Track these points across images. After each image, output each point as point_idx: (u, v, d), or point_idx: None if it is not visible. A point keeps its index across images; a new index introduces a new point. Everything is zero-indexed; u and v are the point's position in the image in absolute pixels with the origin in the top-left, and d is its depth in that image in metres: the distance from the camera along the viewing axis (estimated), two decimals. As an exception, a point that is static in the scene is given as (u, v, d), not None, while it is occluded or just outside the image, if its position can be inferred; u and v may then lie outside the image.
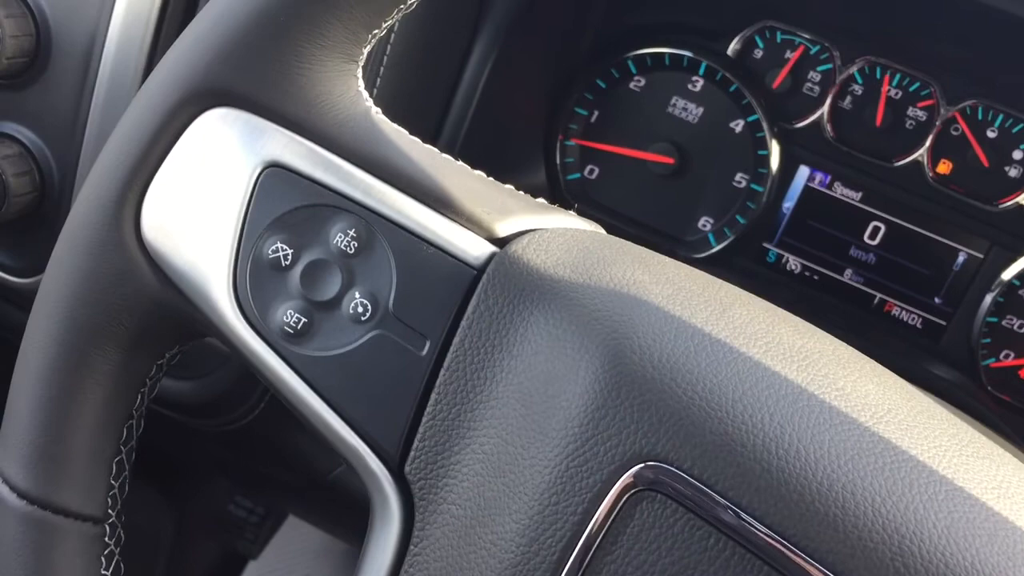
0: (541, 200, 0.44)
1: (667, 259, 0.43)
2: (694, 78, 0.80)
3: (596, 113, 0.83)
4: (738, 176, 0.80)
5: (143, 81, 0.63)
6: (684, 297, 0.40)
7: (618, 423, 0.36)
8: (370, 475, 0.40)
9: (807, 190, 0.79)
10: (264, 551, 1.23)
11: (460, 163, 0.43)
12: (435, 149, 0.43)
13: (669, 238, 0.83)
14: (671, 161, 0.81)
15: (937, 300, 0.78)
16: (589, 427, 0.36)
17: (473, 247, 0.40)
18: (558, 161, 0.84)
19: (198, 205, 0.40)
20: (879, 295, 0.79)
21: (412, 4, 0.41)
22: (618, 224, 0.82)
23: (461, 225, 0.40)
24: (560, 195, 0.83)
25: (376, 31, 0.41)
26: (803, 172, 0.79)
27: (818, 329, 0.43)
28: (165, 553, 1.15)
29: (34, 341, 0.41)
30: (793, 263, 0.81)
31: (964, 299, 0.77)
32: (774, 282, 0.81)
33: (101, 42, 0.64)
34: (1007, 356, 0.76)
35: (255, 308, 0.40)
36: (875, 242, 0.78)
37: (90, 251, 0.40)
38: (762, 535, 0.34)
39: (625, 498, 0.35)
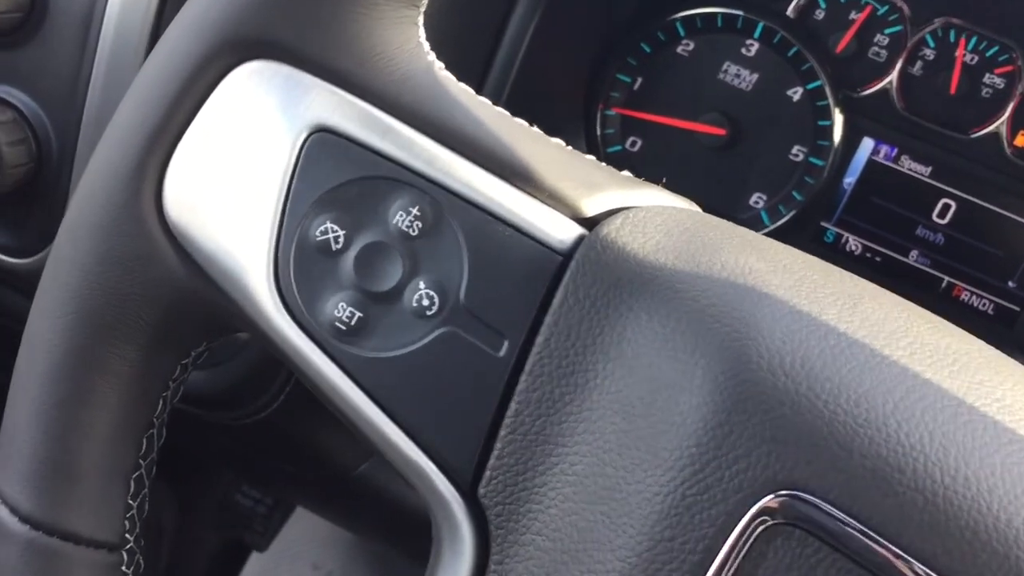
0: (627, 173, 0.39)
1: (777, 243, 0.38)
2: (748, 41, 0.76)
3: (640, 80, 0.79)
4: (795, 149, 0.76)
5: (152, 37, 0.60)
6: (809, 289, 0.35)
7: (745, 443, 0.31)
8: (437, 497, 0.36)
9: (871, 164, 0.75)
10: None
11: (536, 129, 0.38)
12: (506, 112, 0.37)
13: (718, 216, 0.78)
14: (722, 132, 0.76)
15: (1011, 284, 0.74)
16: (710, 447, 0.32)
17: (558, 228, 0.36)
18: (598, 132, 0.80)
19: (232, 177, 0.36)
20: (947, 278, 0.75)
21: None
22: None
23: (543, 202, 0.36)
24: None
25: None
26: (867, 144, 0.75)
27: (953, 325, 0.37)
28: (169, 542, 1.12)
29: (37, 337, 0.37)
30: (853, 243, 0.76)
31: (1041, 283, 0.72)
32: (833, 264, 0.76)
33: (104, -5, 0.60)
34: (1086, 344, 0.72)
35: (300, 300, 0.36)
36: (944, 221, 0.74)
37: (103, 231, 0.36)
38: (928, 582, 0.29)
39: (756, 534, 0.31)
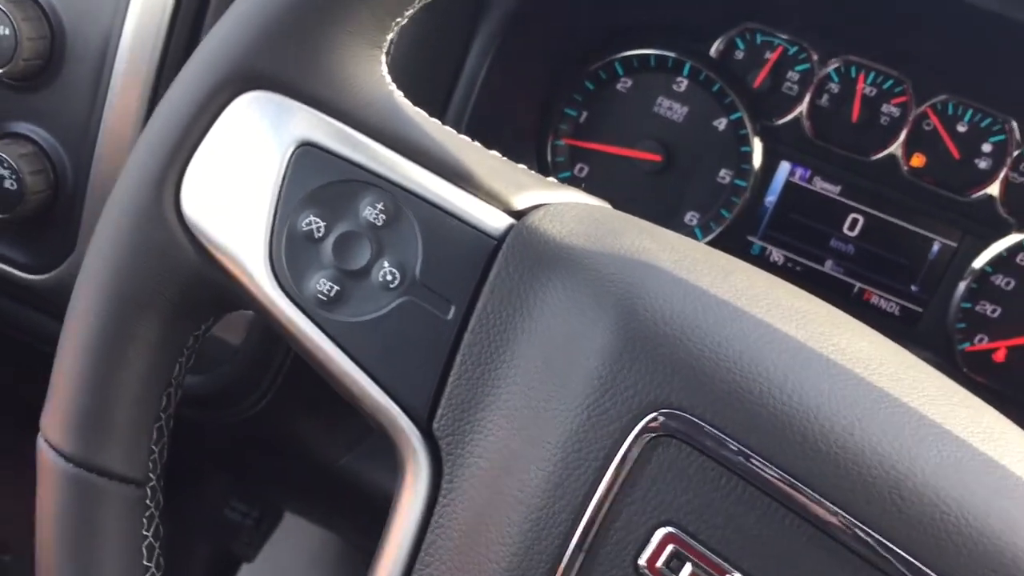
0: (552, 179, 0.47)
1: (671, 232, 0.46)
2: (678, 78, 0.84)
3: (585, 113, 0.86)
4: (722, 172, 0.84)
5: (156, 82, 0.66)
6: (689, 263, 0.43)
7: (634, 375, 0.39)
8: (400, 433, 0.42)
9: (788, 185, 0.83)
10: (259, 556, 1.24)
11: (476, 143, 0.46)
12: (452, 129, 0.46)
13: None
14: (658, 158, 0.84)
15: (914, 288, 0.81)
16: (607, 380, 0.39)
17: (493, 219, 0.43)
18: (549, 160, 0.87)
19: (235, 182, 0.43)
20: (858, 284, 0.82)
21: None
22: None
23: (481, 199, 0.43)
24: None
25: (400, 19, 0.44)
26: (784, 167, 0.83)
27: (812, 296, 0.46)
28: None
29: (79, 311, 0.44)
30: (776, 255, 0.84)
31: (939, 286, 0.80)
32: None
33: (115, 45, 0.66)
34: (981, 340, 0.80)
35: (290, 278, 0.43)
36: (854, 233, 0.82)
37: (133, 225, 0.43)
38: (769, 474, 0.37)
39: (642, 444, 0.38)
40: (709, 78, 0.82)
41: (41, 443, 0.44)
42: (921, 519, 0.36)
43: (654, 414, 0.38)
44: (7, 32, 0.64)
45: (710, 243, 0.84)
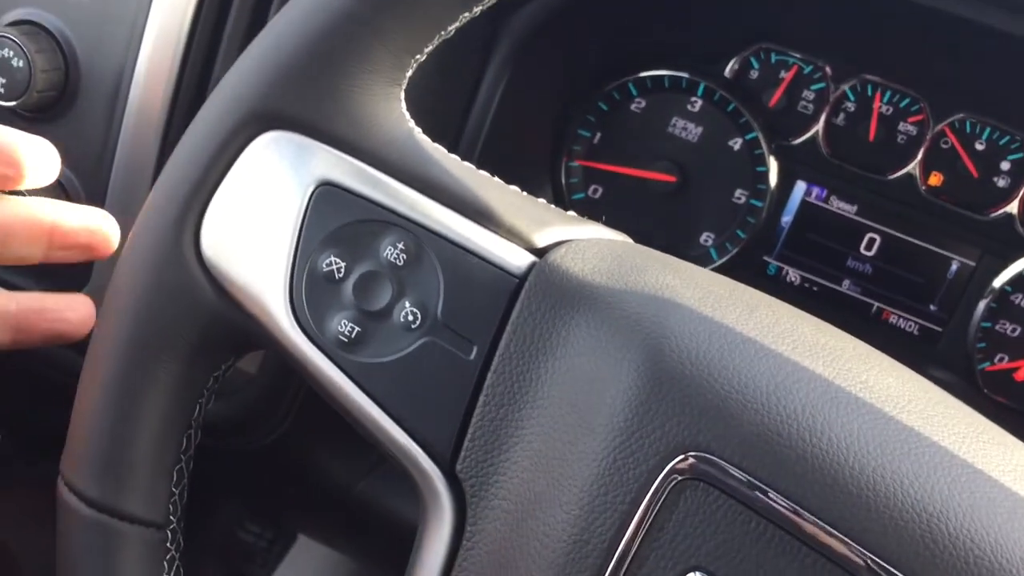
0: (572, 213, 0.47)
1: (693, 265, 0.46)
2: (693, 99, 0.83)
3: (599, 135, 0.86)
4: (738, 192, 0.83)
5: (169, 114, 0.66)
6: (713, 300, 0.42)
7: (660, 417, 0.38)
8: (422, 475, 0.42)
9: (804, 204, 0.82)
10: (272, 576, 1.24)
11: (496, 179, 0.46)
12: (472, 166, 0.45)
13: (672, 253, 0.85)
14: (673, 179, 0.84)
15: (932, 307, 0.80)
16: (633, 421, 0.38)
17: (514, 257, 0.43)
18: (563, 182, 0.86)
19: (255, 222, 0.43)
20: (876, 304, 0.82)
21: (451, 31, 0.43)
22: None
23: (502, 236, 0.43)
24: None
25: (418, 56, 0.44)
26: (800, 187, 0.82)
27: (836, 328, 0.45)
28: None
29: (98, 354, 0.44)
30: (793, 275, 0.83)
31: (958, 306, 0.79)
32: (775, 294, 0.82)
33: (128, 77, 0.66)
34: (1001, 360, 0.79)
35: (311, 318, 0.43)
36: (871, 253, 0.81)
37: (153, 267, 0.43)
38: (800, 517, 0.36)
39: (669, 487, 0.38)
40: (724, 98, 0.82)
41: (61, 486, 0.43)
42: (955, 563, 0.36)
43: (681, 456, 0.38)
44: (21, 64, 0.64)
45: (726, 264, 0.84)
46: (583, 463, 0.39)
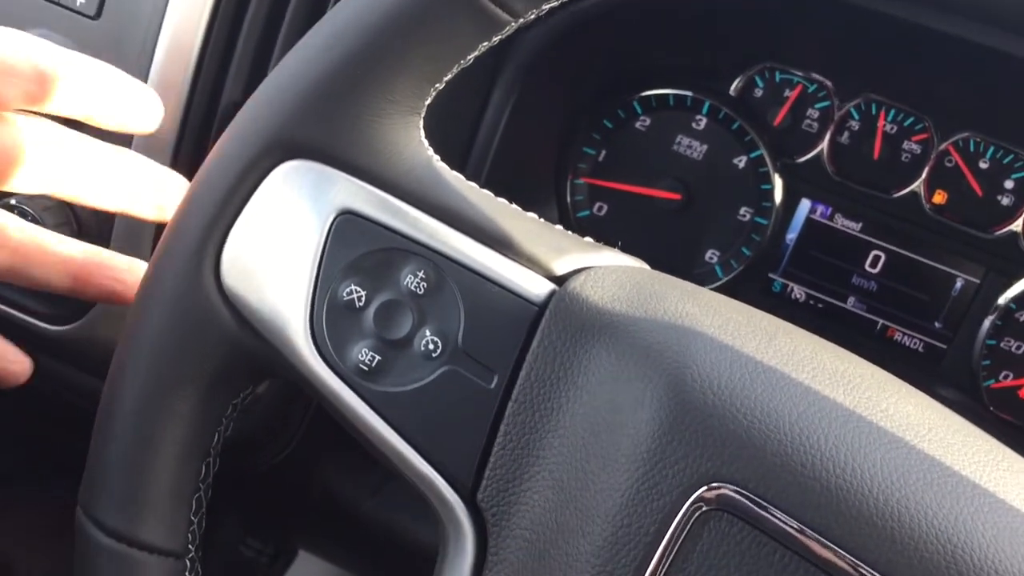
0: (588, 239, 0.47)
1: (711, 292, 0.46)
2: (697, 117, 0.84)
3: (604, 152, 0.86)
4: (742, 210, 0.84)
5: (179, 137, 0.66)
6: (733, 328, 0.42)
7: (684, 447, 0.38)
8: (444, 504, 0.42)
9: (809, 222, 0.83)
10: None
11: (514, 206, 0.46)
12: (490, 193, 0.45)
13: (677, 271, 0.84)
14: (677, 197, 0.84)
15: (937, 324, 0.81)
16: (657, 452, 0.39)
17: (534, 285, 0.43)
18: (568, 199, 0.87)
19: (276, 251, 0.43)
20: (881, 321, 0.82)
21: (471, 59, 0.44)
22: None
23: (522, 265, 0.43)
24: (571, 232, 0.86)
25: (438, 85, 0.44)
26: (805, 205, 0.83)
27: (853, 355, 0.45)
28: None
29: (118, 385, 0.43)
30: (798, 292, 0.84)
31: (963, 323, 0.80)
32: (780, 311, 0.83)
33: (138, 96, 0.66)
34: (1006, 377, 0.79)
35: (331, 347, 0.43)
36: (876, 270, 0.82)
37: (173, 298, 0.43)
38: (825, 549, 0.37)
39: (694, 518, 0.38)
40: (728, 116, 0.82)
41: (81, 516, 0.43)
42: (980, 594, 0.36)
43: (705, 488, 0.38)
44: (30, 86, 0.64)
45: (731, 281, 0.84)
46: (607, 493, 0.39)
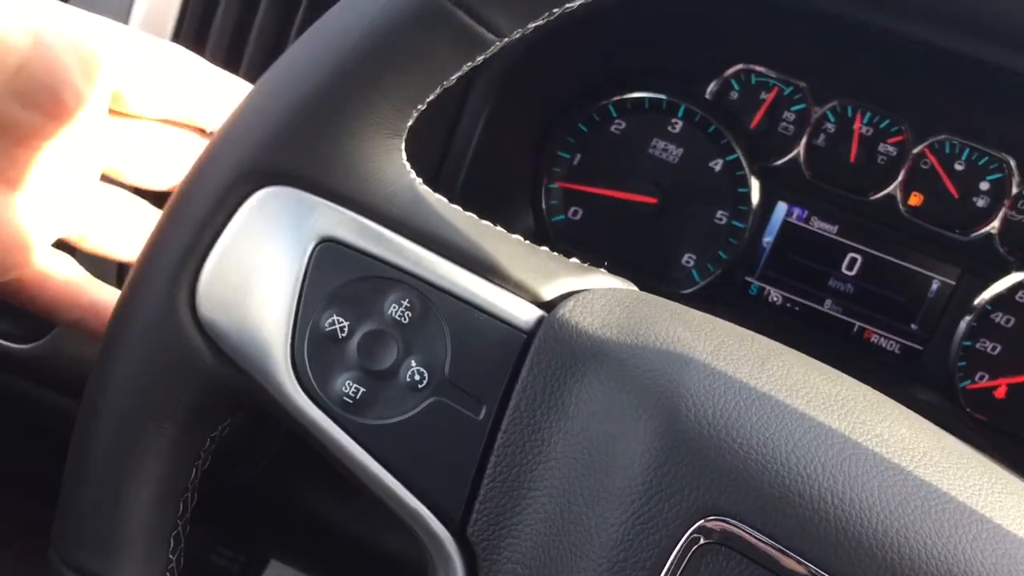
0: (575, 260, 0.46)
1: (699, 313, 0.45)
2: (673, 120, 0.83)
3: (579, 156, 0.85)
4: (719, 213, 0.83)
5: None
6: (726, 352, 0.42)
7: (680, 480, 0.38)
8: (432, 538, 0.41)
9: (786, 225, 0.82)
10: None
11: (499, 229, 0.44)
12: (474, 216, 0.44)
13: (653, 275, 0.85)
14: (653, 201, 0.83)
15: (914, 326, 0.81)
16: (652, 485, 0.38)
17: (522, 312, 0.42)
18: (543, 204, 0.85)
19: (254, 281, 0.41)
20: (858, 323, 0.82)
21: (454, 79, 0.42)
22: (603, 263, 0.83)
23: (509, 291, 0.42)
24: (547, 237, 0.85)
25: (420, 106, 0.42)
26: (781, 208, 0.82)
27: (844, 375, 0.45)
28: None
29: (90, 420, 0.42)
30: (775, 295, 0.83)
31: (939, 324, 0.80)
32: (757, 314, 0.83)
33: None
34: (982, 378, 0.80)
35: (314, 380, 0.41)
36: (852, 273, 0.81)
37: (147, 329, 0.41)
38: (825, 582, 0.36)
39: (691, 552, 0.37)
40: (704, 119, 0.82)
41: (54, 559, 0.42)
42: (981, 625, 0.35)
43: (703, 521, 0.37)
44: None
45: (708, 285, 0.84)
46: (602, 528, 0.38)
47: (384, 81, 0.40)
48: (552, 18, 0.41)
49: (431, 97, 0.43)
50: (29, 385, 0.73)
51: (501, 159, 0.81)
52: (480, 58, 0.42)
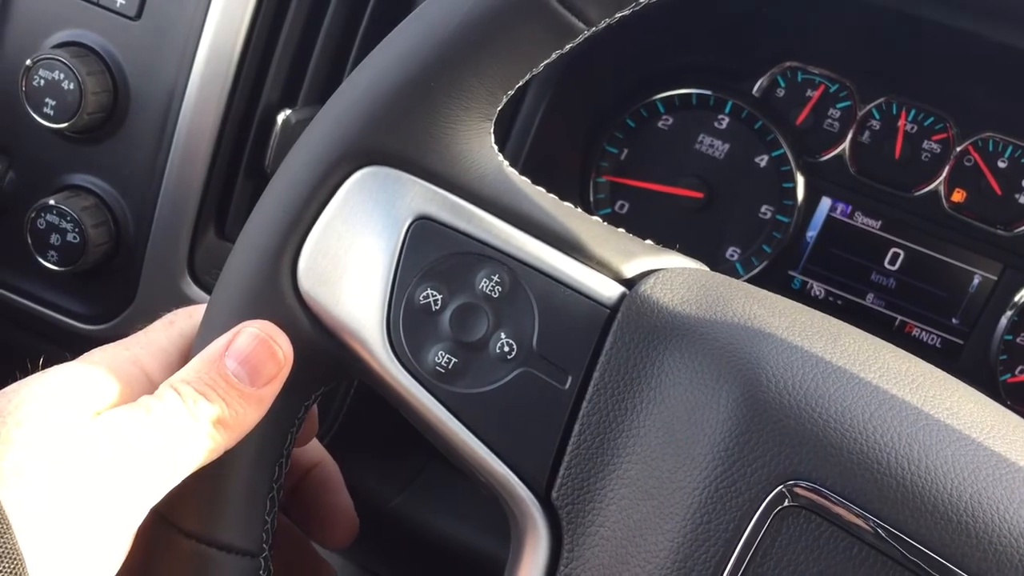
0: (650, 241, 0.48)
1: (772, 294, 0.47)
2: (720, 116, 0.85)
3: (626, 151, 0.87)
4: (764, 208, 0.85)
5: (219, 137, 0.67)
6: (800, 329, 0.43)
7: (761, 446, 0.39)
8: (519, 502, 0.43)
9: (829, 220, 0.84)
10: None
11: (580, 210, 0.46)
12: (556, 198, 0.46)
13: None
14: (699, 195, 0.85)
15: (955, 321, 0.82)
16: (734, 451, 0.40)
17: (605, 288, 0.44)
18: (591, 197, 0.87)
19: (353, 256, 0.43)
20: (900, 317, 0.84)
21: (542, 66, 0.44)
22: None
23: (592, 268, 0.44)
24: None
25: (510, 91, 0.44)
26: (825, 203, 0.84)
27: (910, 354, 0.47)
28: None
29: None
30: (817, 289, 0.85)
31: (980, 319, 0.81)
32: None
33: (179, 99, 0.66)
34: (1023, 372, 0.81)
35: (408, 350, 0.43)
36: (895, 267, 0.83)
37: (250, 301, 0.43)
38: (902, 544, 0.38)
39: (772, 515, 0.39)
40: (751, 115, 0.83)
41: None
42: (1053, 586, 0.37)
43: (782, 486, 0.39)
44: (72, 87, 0.64)
45: (752, 278, 0.85)
46: (685, 491, 0.40)
47: (481, 66, 0.42)
48: (638, 8, 0.43)
49: (520, 83, 0.45)
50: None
51: (551, 154, 0.83)
52: (568, 46, 0.44)
